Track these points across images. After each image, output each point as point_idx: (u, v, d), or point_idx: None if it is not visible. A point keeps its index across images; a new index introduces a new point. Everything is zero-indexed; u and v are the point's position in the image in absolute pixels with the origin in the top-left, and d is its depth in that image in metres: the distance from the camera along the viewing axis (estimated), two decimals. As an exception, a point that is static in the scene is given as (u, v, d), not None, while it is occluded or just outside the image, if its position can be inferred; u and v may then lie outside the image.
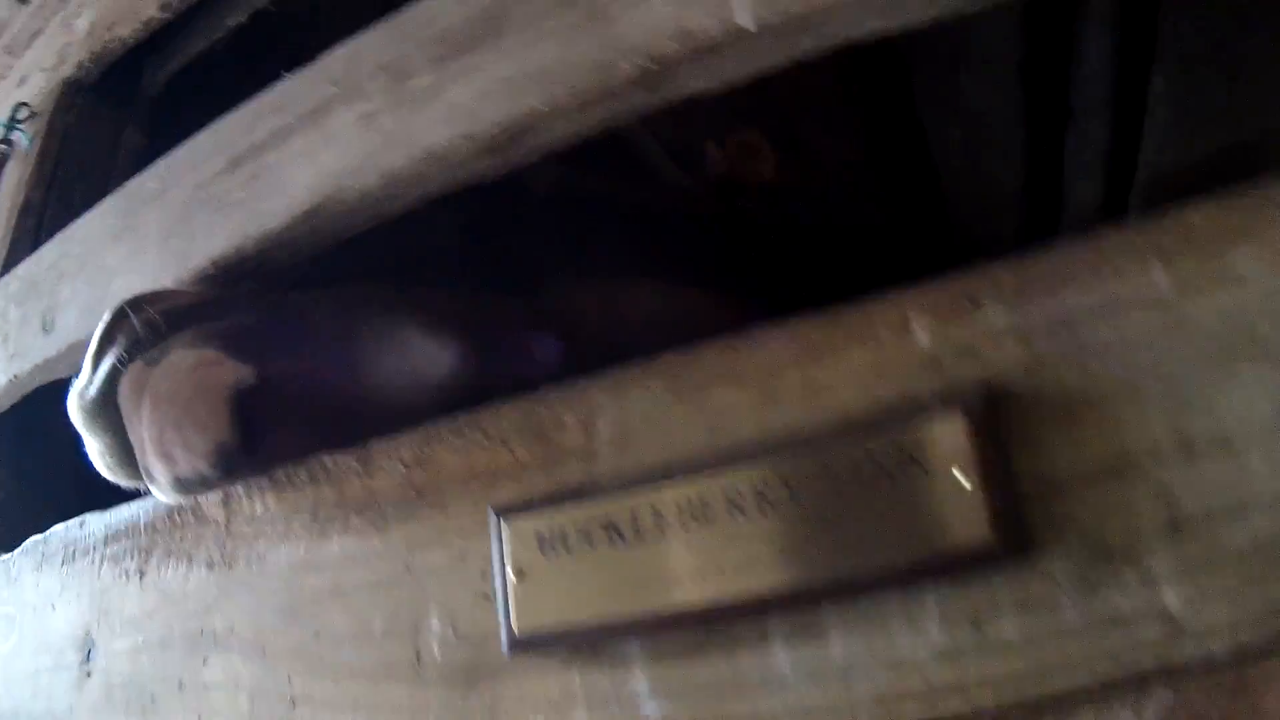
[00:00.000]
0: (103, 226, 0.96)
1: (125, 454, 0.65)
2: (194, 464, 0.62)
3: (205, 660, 0.73)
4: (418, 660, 0.61)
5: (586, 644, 0.55)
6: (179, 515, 0.79)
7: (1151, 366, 0.43)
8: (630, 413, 0.58)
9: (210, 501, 0.76)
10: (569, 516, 0.57)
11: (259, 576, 0.71)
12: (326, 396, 0.66)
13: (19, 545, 1.05)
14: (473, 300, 0.75)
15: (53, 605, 0.92)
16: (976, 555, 0.45)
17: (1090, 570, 0.43)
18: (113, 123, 1.43)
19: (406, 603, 0.62)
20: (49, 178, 1.34)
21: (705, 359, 0.57)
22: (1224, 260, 0.43)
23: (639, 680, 0.54)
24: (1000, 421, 0.46)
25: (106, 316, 0.68)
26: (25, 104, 1.44)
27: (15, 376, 1.02)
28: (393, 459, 0.64)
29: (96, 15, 1.45)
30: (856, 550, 0.49)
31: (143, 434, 0.62)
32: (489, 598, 0.58)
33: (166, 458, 0.62)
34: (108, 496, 0.96)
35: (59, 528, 0.95)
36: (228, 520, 0.74)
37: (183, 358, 0.61)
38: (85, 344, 0.92)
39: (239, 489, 0.74)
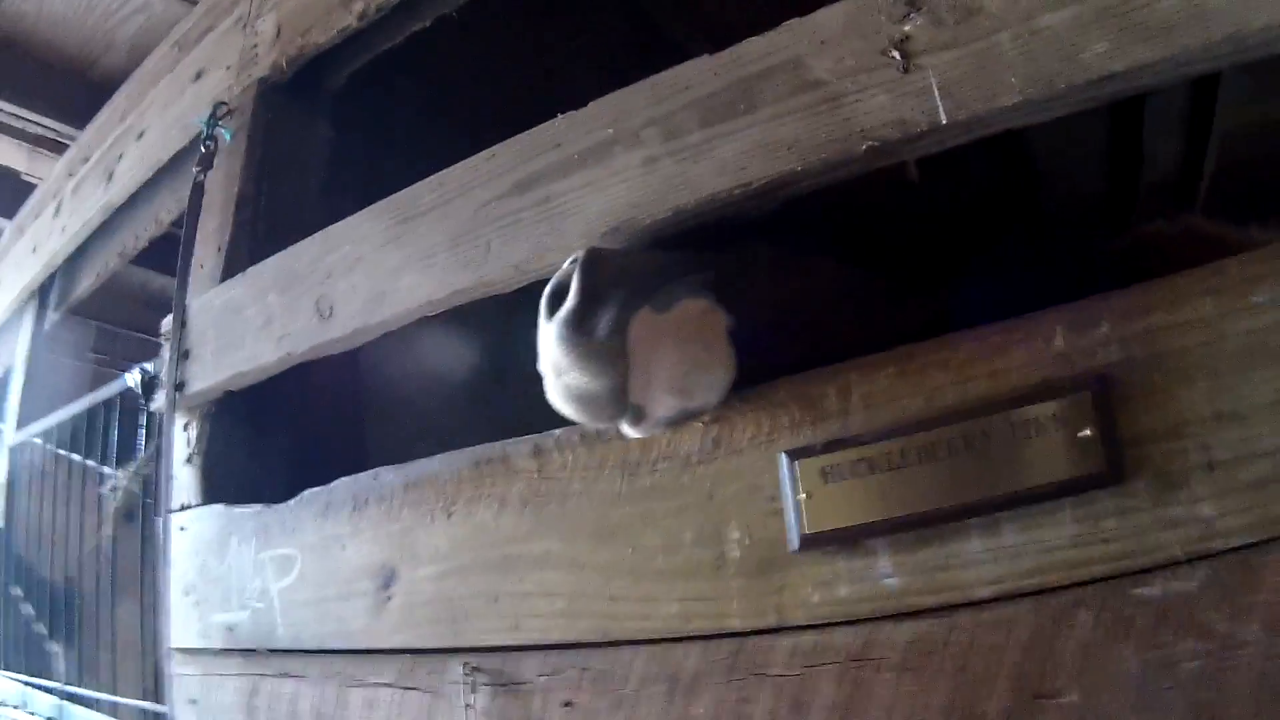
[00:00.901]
0: (374, 230, 1.18)
1: (616, 391, 0.74)
2: (708, 397, 0.78)
3: (521, 578, 0.98)
4: (722, 559, 0.87)
5: (851, 540, 0.81)
6: (485, 466, 1.03)
7: (1200, 365, 0.70)
8: (874, 387, 0.84)
9: (521, 453, 1.00)
10: (842, 456, 0.82)
11: (574, 511, 0.96)
12: (773, 338, 0.84)
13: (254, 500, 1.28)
14: (853, 276, 0.96)
15: (342, 545, 1.16)
16: (1095, 480, 0.72)
17: (1161, 493, 0.70)
18: (305, 117, 1.63)
19: (711, 521, 0.88)
20: (256, 171, 1.54)
21: (923, 351, 0.83)
22: (1249, 295, 0.70)
23: (884, 563, 0.80)
24: (1109, 398, 0.72)
25: (582, 257, 0.77)
26: (224, 103, 1.63)
27: (289, 354, 1.25)
28: (694, 420, 0.89)
29: (283, 18, 1.63)
30: (1021, 477, 0.76)
31: (657, 373, 0.74)
32: (779, 514, 0.84)
33: (683, 393, 0.76)
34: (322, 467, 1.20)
35: (343, 481, 1.19)
36: (539, 469, 0.99)
37: (693, 305, 0.77)
38: (366, 330, 1.16)
39: (550, 443, 0.98)
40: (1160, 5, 0.75)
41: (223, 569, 1.32)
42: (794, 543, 0.83)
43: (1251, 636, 0.65)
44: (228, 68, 1.75)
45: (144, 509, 1.96)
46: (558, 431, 0.98)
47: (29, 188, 2.53)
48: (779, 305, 0.88)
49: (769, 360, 0.86)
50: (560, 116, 1.04)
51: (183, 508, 1.42)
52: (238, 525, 1.31)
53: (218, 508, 1.36)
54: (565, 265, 0.81)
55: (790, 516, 0.83)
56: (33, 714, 2.07)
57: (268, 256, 1.40)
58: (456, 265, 1.07)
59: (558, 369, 0.77)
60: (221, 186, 1.56)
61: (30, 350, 2.40)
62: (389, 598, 1.10)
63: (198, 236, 1.55)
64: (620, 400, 0.76)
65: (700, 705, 0.84)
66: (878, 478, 0.82)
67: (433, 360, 1.78)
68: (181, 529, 1.41)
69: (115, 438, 2.04)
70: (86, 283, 2.32)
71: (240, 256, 1.48)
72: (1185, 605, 0.68)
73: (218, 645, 1.31)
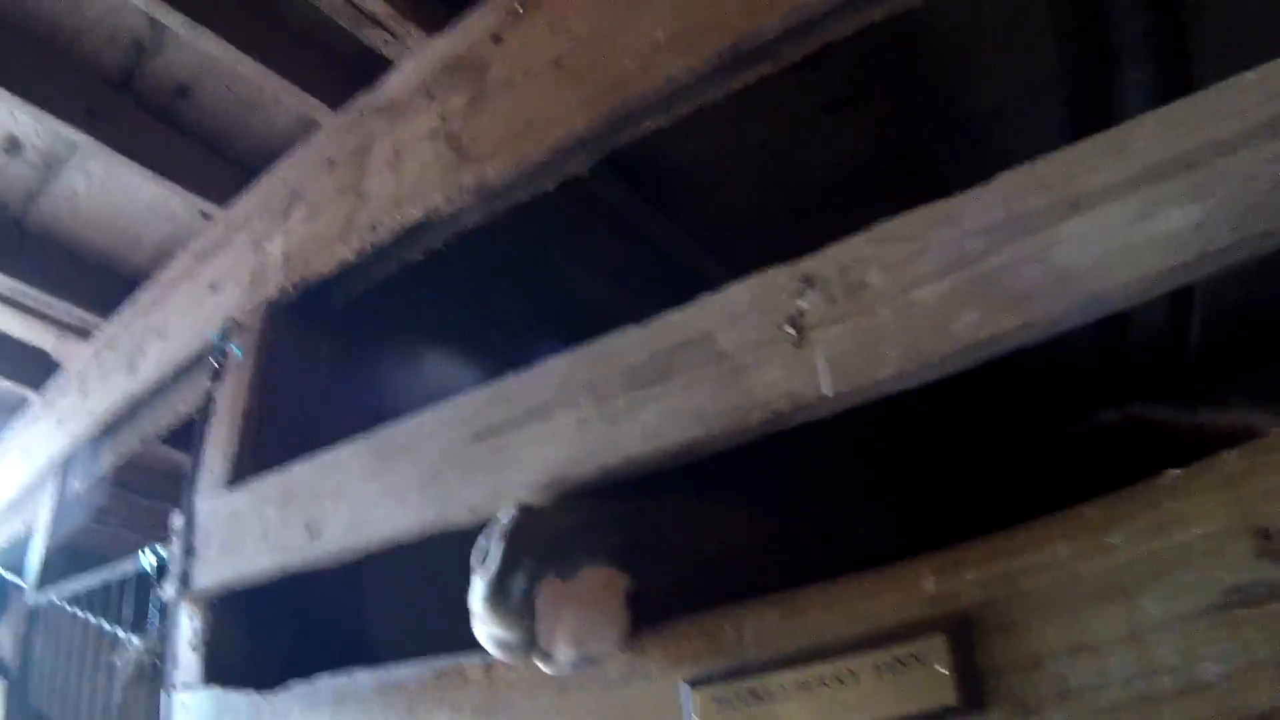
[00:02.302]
0: (357, 463, 1.41)
1: (527, 641, 0.96)
2: (604, 648, 0.98)
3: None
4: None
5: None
6: (444, 676, 1.21)
7: (1056, 603, 0.88)
8: (764, 625, 1.03)
9: (474, 666, 1.18)
10: (735, 687, 1.01)
11: (514, 717, 1.13)
12: (674, 592, 1.04)
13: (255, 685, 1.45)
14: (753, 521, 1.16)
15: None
16: (951, 711, 0.88)
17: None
18: (309, 336, 1.89)
19: (629, 739, 1.05)
20: (261, 386, 1.78)
21: (807, 594, 1.01)
22: (1104, 536, 0.87)
23: None
24: (968, 636, 0.90)
25: (505, 521, 0.99)
26: (235, 321, 1.89)
27: (283, 567, 1.45)
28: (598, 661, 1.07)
29: (290, 246, 1.92)
30: (887, 709, 0.93)
31: (559, 631, 0.95)
32: (684, 736, 1.01)
33: (580, 646, 0.97)
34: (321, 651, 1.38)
35: (324, 677, 1.37)
36: (489, 681, 1.17)
37: (594, 575, 0.99)
38: (349, 551, 1.37)
39: (497, 661, 1.16)
40: (1025, 274, 0.90)
41: (217, 757, 1.48)
42: None
43: None
44: (239, 284, 2.03)
45: (154, 678, 2.13)
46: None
47: (55, 365, 2.81)
48: (682, 560, 1.08)
49: (674, 604, 1.05)
50: (511, 376, 1.28)
51: (185, 686, 1.59)
52: (232, 709, 1.48)
53: (216, 691, 1.53)
54: (495, 522, 1.02)
55: None
56: None
57: (270, 465, 1.63)
58: (424, 502, 1.29)
59: (482, 619, 0.99)
60: (230, 399, 1.81)
61: (53, 516, 2.61)
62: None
63: (207, 443, 1.78)
64: (530, 646, 0.97)
65: None
66: (764, 707, 1.00)
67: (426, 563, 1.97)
68: (184, 705, 1.57)
69: (131, 606, 2.22)
70: (108, 459, 2.56)
71: (245, 465, 1.70)
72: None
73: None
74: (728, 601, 1.05)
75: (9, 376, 2.84)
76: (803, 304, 1.06)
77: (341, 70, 1.96)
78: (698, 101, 1.42)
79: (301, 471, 1.51)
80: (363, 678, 1.32)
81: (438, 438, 1.32)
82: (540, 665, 1.01)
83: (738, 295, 1.12)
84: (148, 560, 1.98)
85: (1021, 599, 0.89)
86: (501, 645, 0.99)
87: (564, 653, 0.99)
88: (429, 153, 1.75)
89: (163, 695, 1.67)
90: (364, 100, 1.92)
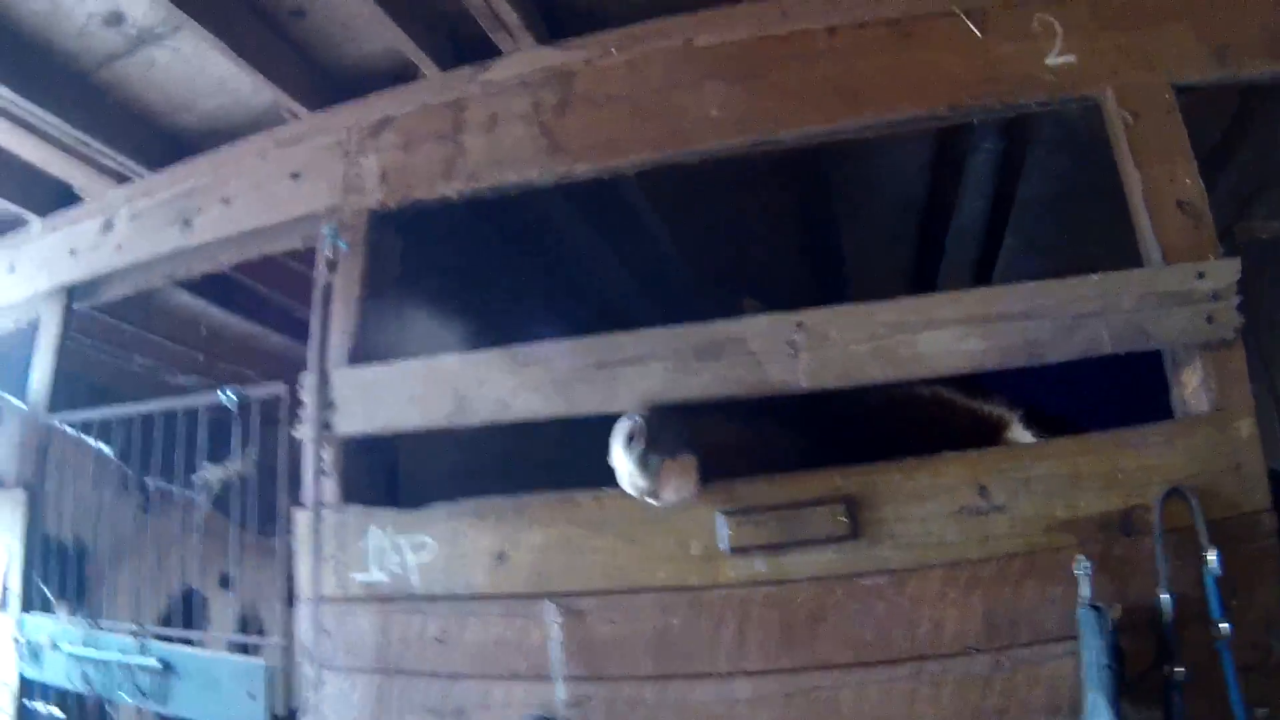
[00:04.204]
0: (497, 364, 2.19)
1: (653, 489, 1.88)
2: (685, 495, 1.94)
3: (584, 556, 2.09)
4: (688, 553, 2.05)
5: (742, 550, 2.03)
6: (564, 501, 2.11)
7: (892, 496, 2.00)
8: (754, 487, 2.05)
9: (584, 496, 2.09)
10: (745, 516, 2.04)
11: (614, 526, 2.08)
12: (709, 468, 2.00)
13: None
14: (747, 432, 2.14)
15: (467, 535, 2.17)
16: (844, 537, 2.00)
17: None
18: (398, 239, 2.50)
19: (684, 535, 2.05)
20: (368, 279, 2.42)
21: (776, 478, 2.06)
22: (915, 474, 1.99)
23: (759, 563, 2.04)
24: (855, 504, 2.01)
25: (638, 423, 1.88)
26: (343, 222, 2.45)
27: (429, 426, 2.21)
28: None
29: (387, 165, 2.51)
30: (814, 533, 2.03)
31: (668, 485, 1.89)
32: (716, 537, 2.04)
33: (677, 493, 1.92)
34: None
35: (466, 500, 2.19)
36: (598, 505, 2.09)
37: (685, 458, 1.92)
38: (489, 421, 2.20)
39: (603, 492, 2.08)
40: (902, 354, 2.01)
41: (362, 545, 2.25)
42: (726, 549, 2.01)
43: None
44: (328, 182, 2.55)
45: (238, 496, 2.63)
46: (607, 489, 2.07)
47: (58, 192, 3.02)
48: (716, 451, 2.07)
49: (708, 475, 2.05)
50: (621, 333, 2.12)
51: (321, 505, 2.31)
52: (377, 518, 2.26)
53: (357, 507, 2.28)
54: (626, 420, 1.93)
55: (724, 538, 2.01)
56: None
57: (375, 344, 2.32)
58: (556, 397, 2.13)
59: (630, 476, 1.92)
60: (345, 287, 2.42)
61: (58, 340, 2.93)
62: (501, 565, 2.14)
63: (332, 323, 2.40)
64: (653, 493, 1.94)
65: (674, 617, 2.01)
66: (756, 520, 2.03)
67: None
68: (321, 519, 2.30)
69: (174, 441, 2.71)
70: (122, 291, 2.93)
71: (359, 343, 2.37)
72: None
73: (357, 594, 2.25)
74: (733, 476, 2.06)
75: (10, 198, 2.97)
76: (796, 336, 2.04)
77: (447, 37, 2.48)
78: (730, 159, 2.28)
79: (448, 361, 2.24)
80: (499, 500, 2.17)
81: (566, 359, 2.14)
82: (651, 501, 1.96)
83: (761, 321, 2.07)
84: (229, 399, 2.54)
85: (877, 492, 1.98)
86: (638, 489, 1.93)
87: (668, 496, 1.96)
88: (521, 130, 2.42)
89: (292, 512, 2.35)
90: (469, 70, 2.48)
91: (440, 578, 2.18)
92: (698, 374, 2.06)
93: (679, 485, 1.95)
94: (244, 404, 2.53)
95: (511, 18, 2.30)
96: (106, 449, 2.95)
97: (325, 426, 2.32)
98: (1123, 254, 2.28)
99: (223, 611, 3.03)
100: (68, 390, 2.97)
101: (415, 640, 2.19)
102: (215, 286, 3.40)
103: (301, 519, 2.34)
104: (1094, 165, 2.49)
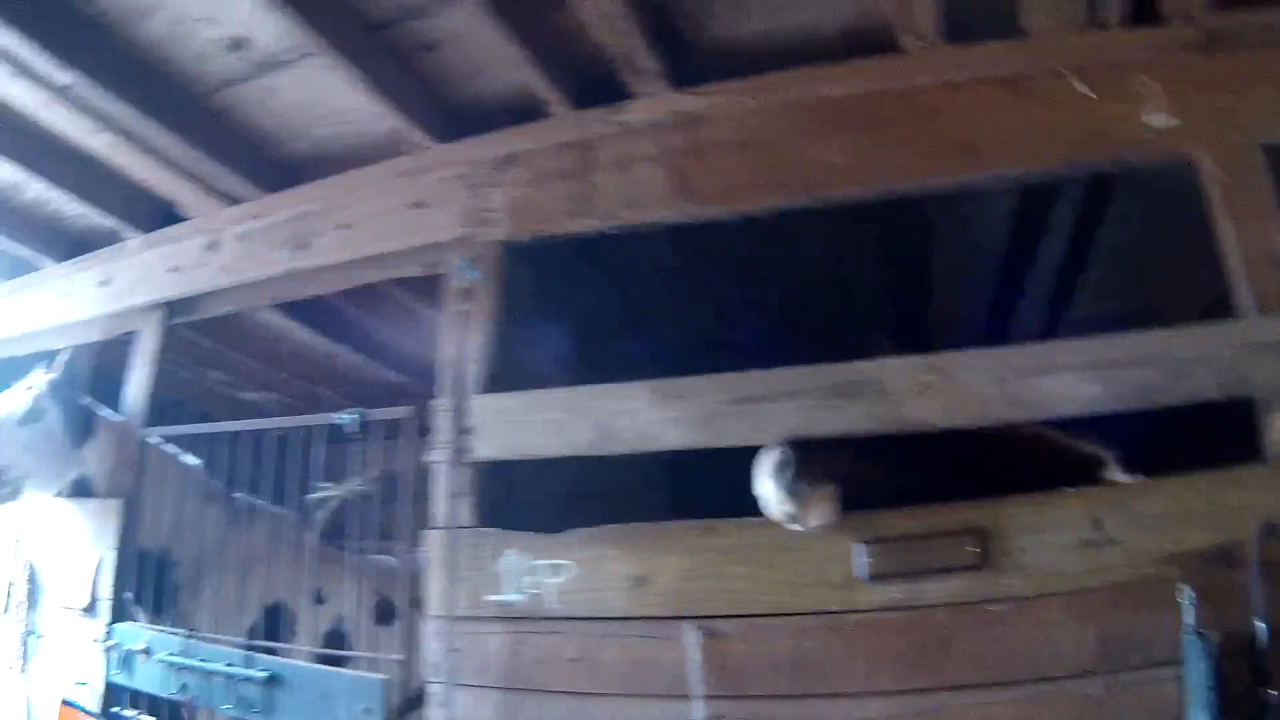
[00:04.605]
0: (641, 397, 2.30)
1: (799, 516, 2.02)
2: (827, 521, 2.06)
3: (722, 583, 2.21)
4: (826, 580, 2.18)
5: (879, 579, 2.18)
6: (707, 529, 2.23)
7: (1017, 528, 2.16)
8: (887, 520, 2.20)
9: (726, 524, 2.22)
10: (882, 547, 2.18)
11: (751, 553, 2.20)
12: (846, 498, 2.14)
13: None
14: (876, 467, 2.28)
15: (607, 559, 2.28)
16: (975, 567, 2.16)
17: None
18: (524, 270, 2.60)
19: (820, 562, 2.19)
20: (500, 310, 2.52)
21: (912, 509, 2.21)
22: (1034, 508, 2.16)
23: (893, 591, 2.18)
24: (983, 536, 2.17)
25: (785, 455, 2.05)
26: (472, 253, 2.55)
27: (568, 453, 2.31)
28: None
29: (515, 200, 2.61)
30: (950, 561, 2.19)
31: (811, 512, 2.03)
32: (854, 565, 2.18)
33: (819, 519, 2.05)
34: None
35: (605, 526, 2.29)
36: (740, 531, 2.21)
37: (826, 487, 2.06)
38: (634, 450, 2.32)
39: (744, 520, 2.21)
40: (1021, 398, 2.17)
41: (497, 567, 2.34)
42: (865, 576, 2.15)
43: None
44: (452, 214, 2.64)
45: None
46: (747, 519, 2.20)
47: (157, 211, 3.04)
48: (845, 481, 2.20)
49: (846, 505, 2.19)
50: (758, 371, 2.25)
51: (455, 525, 2.39)
52: (512, 541, 2.35)
53: (492, 530, 2.37)
54: (773, 450, 2.06)
55: (863, 566, 2.15)
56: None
57: (504, 374, 2.42)
58: (700, 430, 2.25)
59: (777, 502, 2.06)
60: (480, 313, 2.51)
61: (156, 354, 2.96)
62: (639, 588, 2.25)
63: (469, 351, 2.49)
64: (799, 519, 2.08)
65: (811, 640, 2.15)
66: (890, 549, 2.17)
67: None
68: (457, 540, 2.38)
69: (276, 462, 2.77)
70: (223, 309, 2.97)
71: (490, 372, 2.47)
72: None
73: (488, 614, 2.33)
74: (861, 506, 2.20)
75: (113, 213, 2.99)
76: (929, 378, 2.19)
77: (576, 78, 2.59)
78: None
79: (588, 392, 2.35)
80: (639, 526, 2.28)
81: (710, 396, 2.27)
82: (796, 526, 2.09)
83: (896, 362, 2.22)
84: (352, 420, 2.61)
85: (1004, 525, 2.14)
86: (786, 516, 2.08)
87: (812, 522, 2.10)
88: (652, 171, 2.54)
89: (426, 533, 2.43)
90: (600, 111, 2.59)
91: (578, 600, 2.28)
92: (836, 410, 2.20)
93: (822, 512, 2.09)
94: (364, 425, 2.61)
95: (649, 64, 2.42)
96: (198, 462, 3.00)
97: (462, 451, 2.41)
98: (1191, 299, 2.47)
99: (311, 626, 3.07)
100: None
101: (550, 660, 2.29)
102: (304, 307, 3.45)
103: (435, 540, 2.42)
104: (1167, 214, 2.71)
